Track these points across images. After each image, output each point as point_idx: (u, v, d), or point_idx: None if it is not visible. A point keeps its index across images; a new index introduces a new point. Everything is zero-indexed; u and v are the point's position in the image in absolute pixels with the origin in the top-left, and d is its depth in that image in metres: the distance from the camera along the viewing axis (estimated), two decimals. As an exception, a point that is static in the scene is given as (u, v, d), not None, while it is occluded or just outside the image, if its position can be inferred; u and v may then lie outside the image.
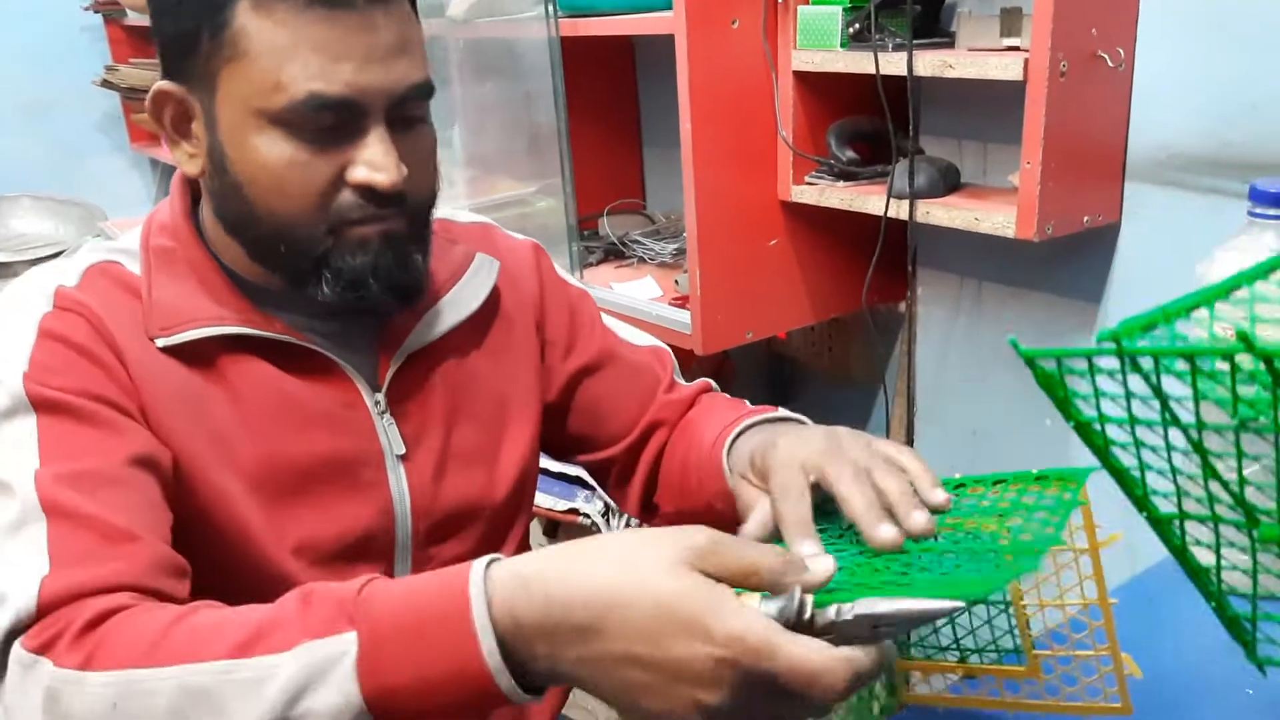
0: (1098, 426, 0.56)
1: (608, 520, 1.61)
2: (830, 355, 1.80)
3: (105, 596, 0.62)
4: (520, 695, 0.57)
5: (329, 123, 0.74)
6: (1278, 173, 1.10)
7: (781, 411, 0.91)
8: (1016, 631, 0.73)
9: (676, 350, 1.09)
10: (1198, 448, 0.53)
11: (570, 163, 1.67)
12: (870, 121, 1.42)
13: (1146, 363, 0.49)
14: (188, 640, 0.60)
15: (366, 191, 0.76)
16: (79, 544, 0.65)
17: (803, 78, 1.40)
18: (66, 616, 0.61)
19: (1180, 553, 0.59)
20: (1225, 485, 0.54)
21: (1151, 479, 0.56)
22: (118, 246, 0.83)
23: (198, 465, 0.77)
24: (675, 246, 1.78)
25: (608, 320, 1.03)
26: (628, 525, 1.62)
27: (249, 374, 0.80)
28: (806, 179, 1.44)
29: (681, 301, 1.57)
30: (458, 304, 0.88)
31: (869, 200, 1.35)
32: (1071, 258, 1.34)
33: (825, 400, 1.84)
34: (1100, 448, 0.58)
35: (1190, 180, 1.19)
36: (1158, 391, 0.49)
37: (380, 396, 0.85)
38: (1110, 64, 1.17)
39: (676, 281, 1.63)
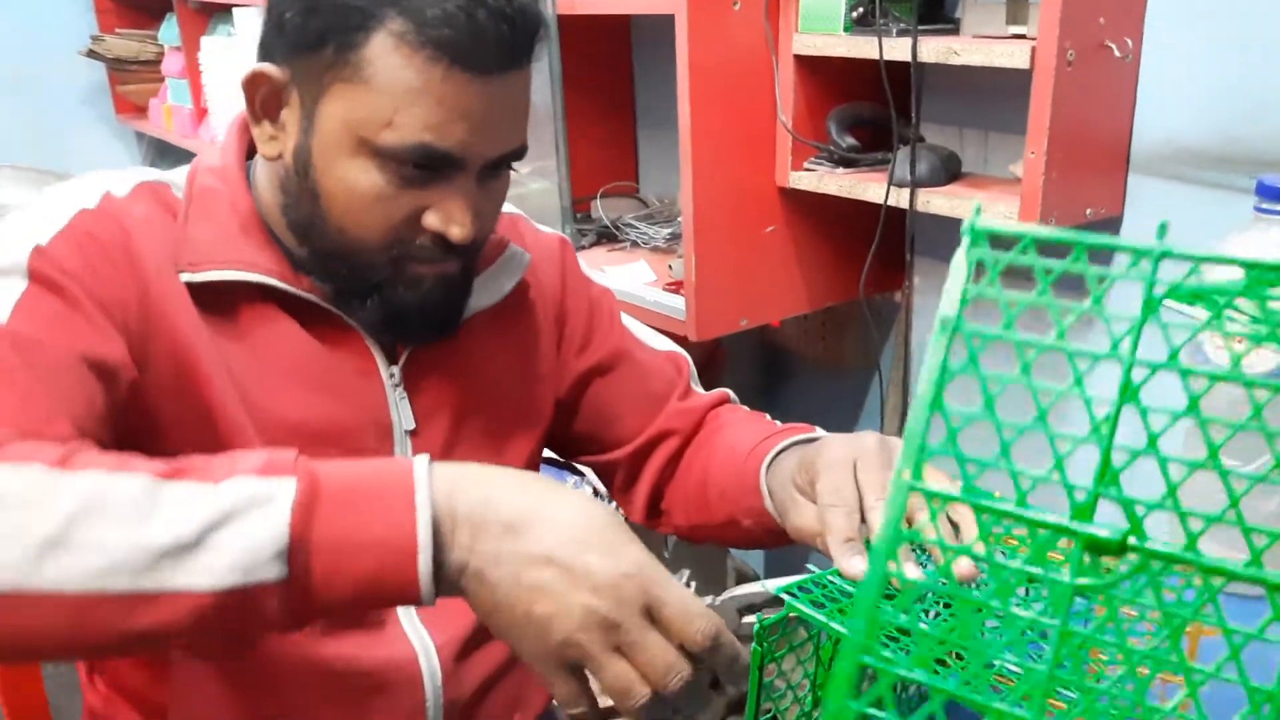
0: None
1: (597, 507, 1.60)
2: (824, 344, 1.79)
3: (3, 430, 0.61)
4: (428, 584, 0.58)
5: (427, 169, 0.74)
6: (1284, 168, 1.09)
7: (819, 431, 0.90)
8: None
9: (669, 337, 1.08)
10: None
11: (565, 145, 1.65)
12: (871, 108, 1.40)
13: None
14: (104, 460, 0.58)
15: (437, 237, 0.77)
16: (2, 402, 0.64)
17: (804, 62, 1.37)
18: None
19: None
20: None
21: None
22: (167, 176, 0.83)
23: (209, 401, 0.77)
24: (669, 231, 1.76)
25: (627, 321, 1.02)
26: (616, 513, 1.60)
27: (270, 326, 0.80)
28: (805, 165, 1.42)
29: (675, 287, 1.56)
30: (484, 291, 0.88)
31: (868, 188, 1.34)
32: (1071, 251, 1.32)
33: (818, 390, 1.83)
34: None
35: (1195, 175, 1.18)
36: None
37: (396, 370, 0.85)
38: (1118, 54, 1.15)
39: (670, 267, 1.61)
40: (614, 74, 1.99)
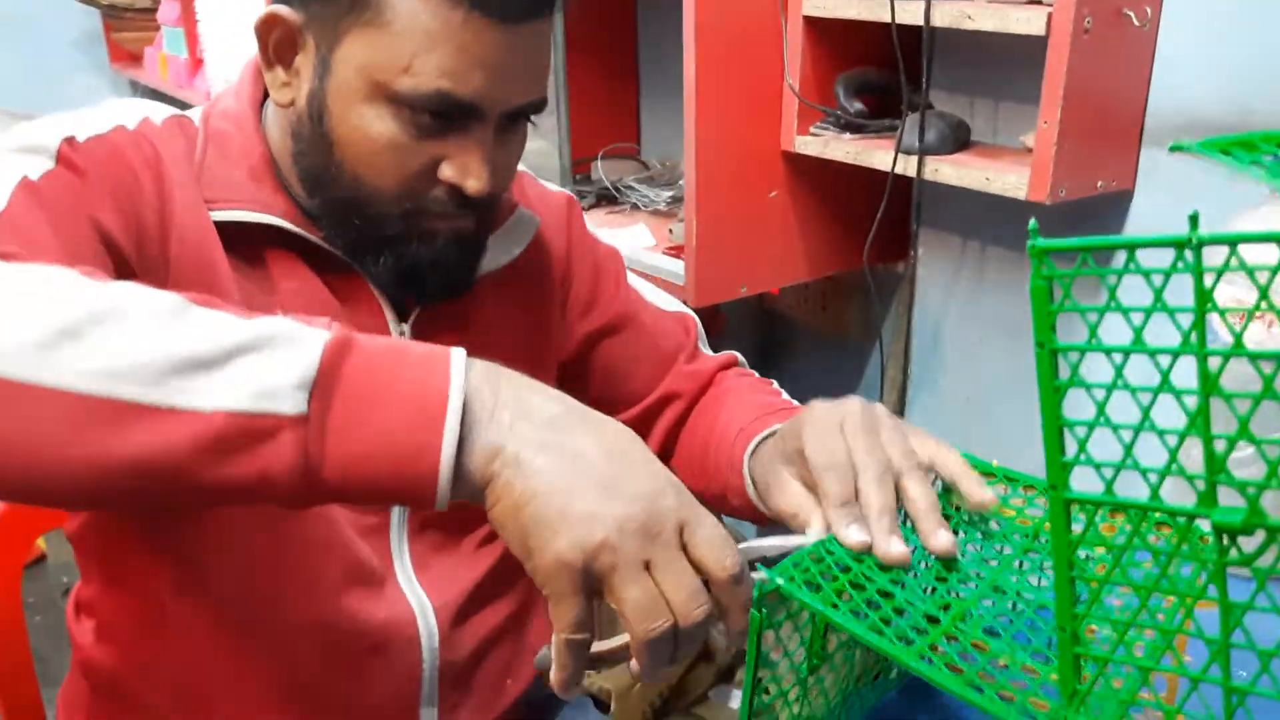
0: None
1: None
2: (824, 314, 1.77)
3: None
4: (450, 458, 0.54)
5: (444, 118, 0.72)
6: (1303, 144, 1.07)
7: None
8: None
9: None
10: None
11: (567, 104, 1.62)
12: (879, 73, 1.37)
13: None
14: (129, 286, 0.55)
15: (452, 190, 0.75)
16: (7, 235, 0.63)
17: (813, 24, 1.34)
18: None
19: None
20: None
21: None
22: (189, 112, 0.81)
23: None
24: (670, 194, 1.74)
25: (634, 281, 1.01)
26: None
27: (289, 271, 0.78)
28: (811, 130, 1.39)
29: (675, 251, 1.53)
30: (493, 253, 0.86)
31: (875, 154, 1.31)
32: (1081, 224, 1.30)
33: (816, 359, 1.81)
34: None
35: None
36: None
37: (406, 328, 0.83)
38: (1136, 23, 1.12)
39: (671, 231, 1.59)
40: (617, 34, 1.96)
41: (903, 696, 0.81)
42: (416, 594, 0.86)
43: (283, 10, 0.74)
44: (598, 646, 0.59)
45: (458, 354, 0.56)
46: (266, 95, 0.83)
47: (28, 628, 1.04)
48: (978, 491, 0.69)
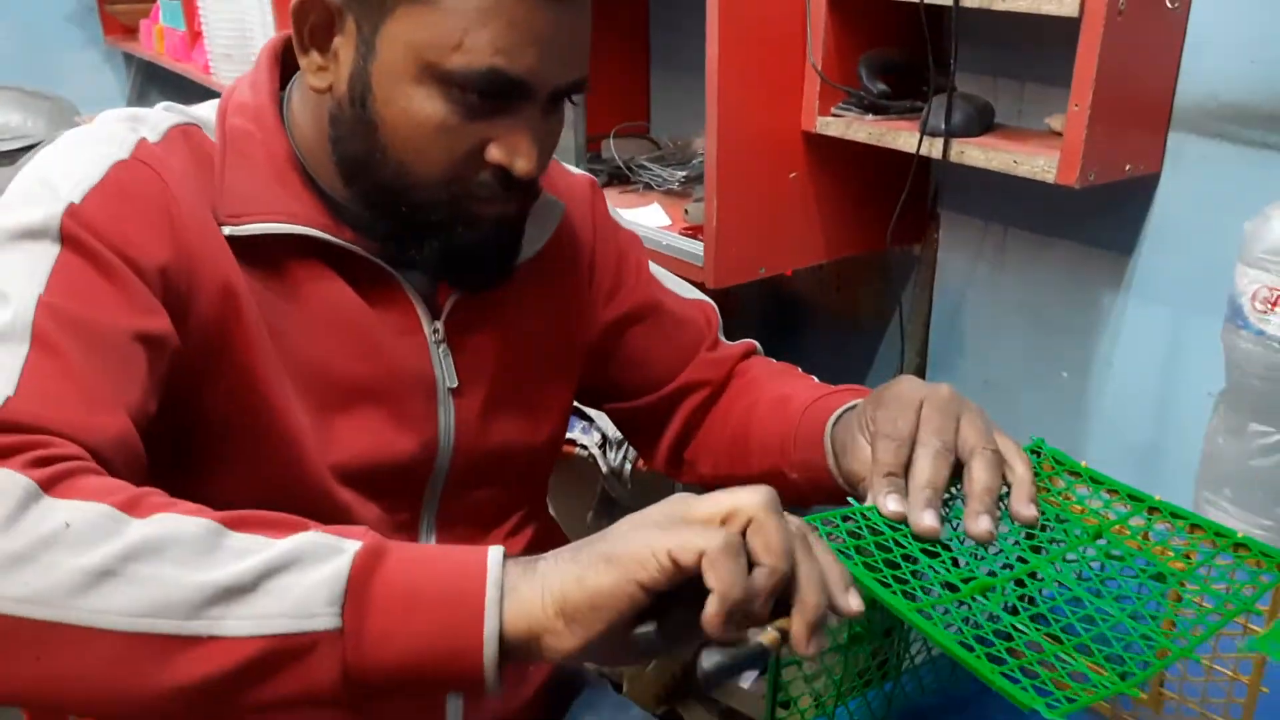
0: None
1: (604, 452, 1.58)
2: (836, 295, 1.76)
3: (65, 444, 0.57)
4: (493, 648, 0.53)
5: (494, 97, 0.71)
6: (1335, 130, 1.06)
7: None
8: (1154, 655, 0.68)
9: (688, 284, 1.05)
10: None
11: (580, 81, 1.60)
12: (903, 53, 1.36)
13: None
14: (174, 505, 0.55)
15: (499, 172, 0.73)
16: (54, 387, 0.60)
17: (836, 3, 1.33)
18: (25, 439, 0.56)
19: None
20: None
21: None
22: (196, 114, 0.78)
23: (250, 357, 0.73)
24: (684, 174, 1.72)
25: (655, 269, 1.00)
26: (624, 459, 1.59)
27: (313, 278, 0.76)
28: (833, 110, 1.38)
29: (692, 232, 1.52)
30: (523, 240, 0.84)
31: (899, 136, 1.30)
32: (1105, 208, 1.30)
33: (830, 342, 1.80)
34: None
35: (1238, 133, 1.15)
36: None
37: (439, 325, 0.82)
38: (1169, 5, 1.12)
39: (686, 211, 1.58)
40: (629, 13, 1.94)
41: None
42: None
43: None
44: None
45: (495, 553, 0.56)
46: (284, 84, 0.81)
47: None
48: (1024, 508, 0.69)
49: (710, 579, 0.52)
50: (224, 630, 0.52)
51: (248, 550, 0.54)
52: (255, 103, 0.78)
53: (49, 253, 0.64)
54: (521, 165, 0.73)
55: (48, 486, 0.54)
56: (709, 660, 0.55)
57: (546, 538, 0.96)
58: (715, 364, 0.97)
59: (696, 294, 1.02)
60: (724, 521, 0.55)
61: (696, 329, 0.98)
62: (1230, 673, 0.68)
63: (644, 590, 0.53)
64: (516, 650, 0.55)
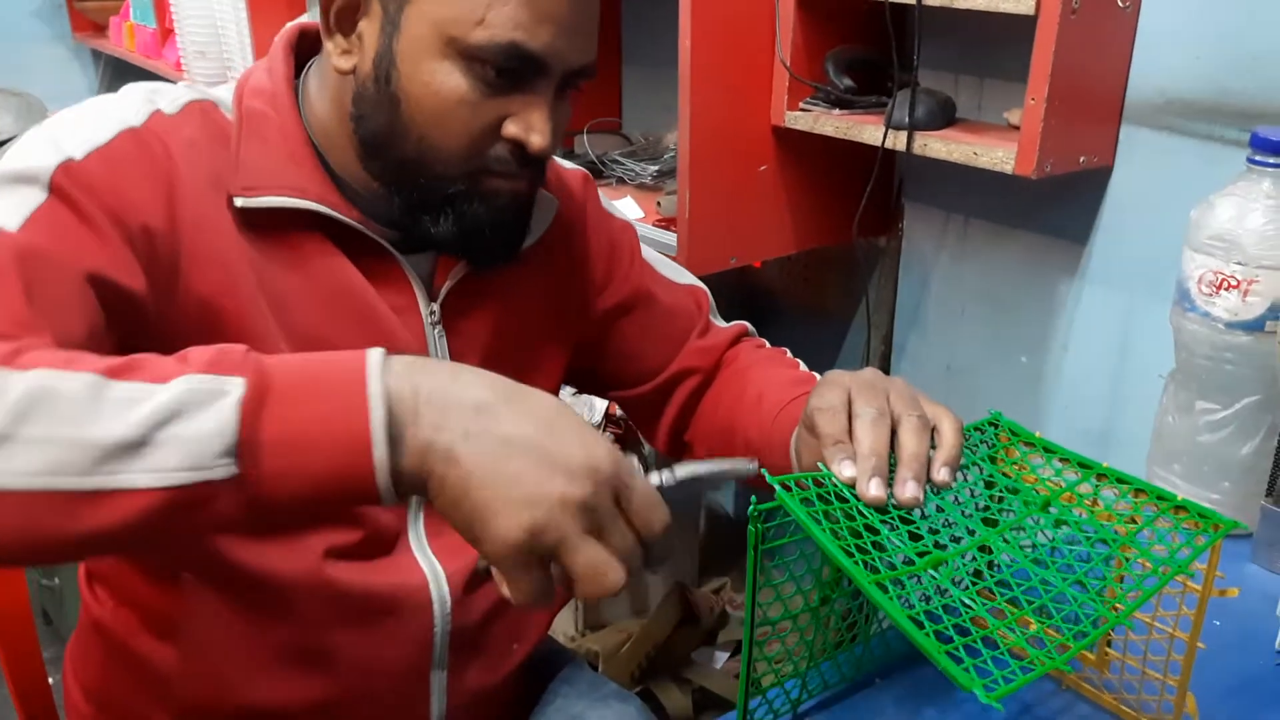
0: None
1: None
2: (805, 286, 1.80)
3: None
4: (385, 479, 0.56)
5: (513, 73, 0.75)
6: (1275, 122, 1.12)
7: None
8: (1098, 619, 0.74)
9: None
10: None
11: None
12: (868, 50, 1.41)
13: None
14: (53, 357, 0.57)
15: (515, 147, 0.77)
16: None
17: (805, 0, 1.37)
18: None
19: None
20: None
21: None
22: (214, 93, 0.81)
23: (249, 324, 0.76)
24: (656, 168, 1.76)
25: (647, 255, 1.03)
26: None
27: (316, 253, 0.79)
28: (801, 105, 1.42)
29: (665, 224, 1.56)
30: None
31: (865, 129, 1.35)
32: (1061, 199, 1.35)
33: (799, 331, 1.85)
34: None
35: (1186, 126, 1.21)
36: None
37: (436, 306, 0.85)
38: (1120, 4, 1.17)
39: (659, 204, 1.61)
40: (602, 12, 1.96)
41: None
42: (429, 561, 0.88)
43: None
44: None
45: (374, 365, 0.57)
46: (298, 72, 0.84)
47: (28, 590, 1.05)
48: (938, 472, 0.71)
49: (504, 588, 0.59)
50: (124, 484, 0.54)
51: (134, 399, 0.55)
52: (272, 87, 0.81)
53: (34, 198, 0.68)
54: (536, 140, 0.76)
55: None
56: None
57: None
58: (705, 351, 1.01)
59: (689, 278, 1.05)
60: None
61: (687, 316, 1.01)
62: (1171, 630, 0.71)
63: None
64: (410, 489, 0.58)
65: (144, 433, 0.54)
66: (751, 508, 0.67)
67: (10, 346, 0.56)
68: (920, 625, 0.59)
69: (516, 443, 0.58)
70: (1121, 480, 0.74)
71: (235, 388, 0.56)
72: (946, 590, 0.65)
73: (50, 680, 1.06)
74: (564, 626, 1.82)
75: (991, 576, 0.69)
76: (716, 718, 1.68)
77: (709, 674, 1.73)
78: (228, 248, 0.75)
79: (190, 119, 0.77)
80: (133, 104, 0.75)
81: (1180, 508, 0.70)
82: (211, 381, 0.56)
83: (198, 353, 0.58)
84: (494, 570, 0.60)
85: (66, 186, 0.68)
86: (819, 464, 0.73)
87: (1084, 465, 0.75)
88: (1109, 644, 0.77)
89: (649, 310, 1.00)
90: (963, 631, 0.61)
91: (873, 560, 0.64)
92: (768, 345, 1.04)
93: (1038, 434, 0.79)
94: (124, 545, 0.57)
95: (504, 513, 0.56)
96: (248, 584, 0.82)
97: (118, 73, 3.24)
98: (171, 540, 0.57)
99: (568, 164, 1.01)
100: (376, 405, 0.56)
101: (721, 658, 1.77)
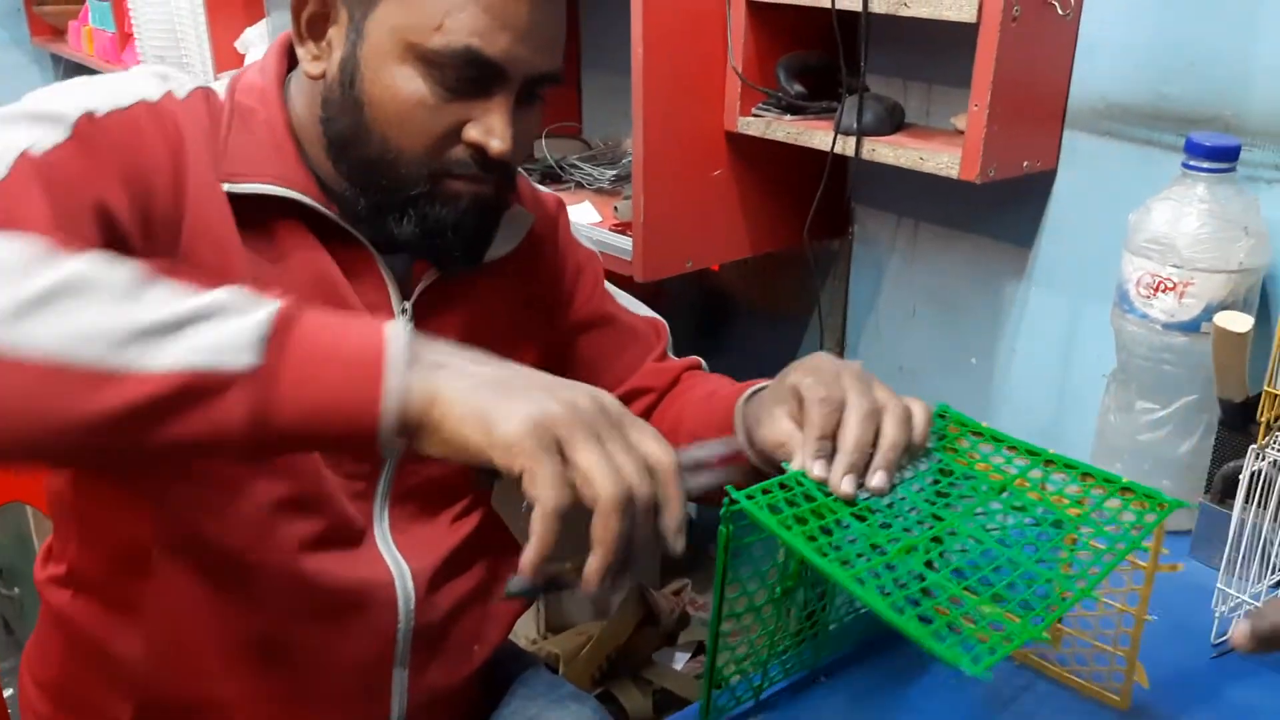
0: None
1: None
2: (762, 289, 1.82)
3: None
4: (389, 403, 0.58)
5: (471, 78, 0.76)
6: (1211, 128, 1.14)
7: None
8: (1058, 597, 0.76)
9: (616, 278, 1.11)
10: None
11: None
12: (819, 56, 1.42)
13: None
14: (95, 257, 0.58)
15: (476, 151, 0.78)
16: (12, 204, 0.64)
17: (756, 8, 1.39)
18: None
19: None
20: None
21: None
22: (214, 83, 0.84)
23: None
24: (614, 173, 1.78)
25: (610, 288, 1.06)
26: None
27: (298, 244, 0.81)
28: (753, 111, 1.44)
29: (621, 228, 1.57)
30: (494, 242, 0.89)
31: (815, 135, 1.37)
32: (1007, 202, 1.37)
33: (755, 333, 1.87)
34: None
35: (1126, 131, 1.23)
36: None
37: (408, 305, 0.87)
38: (1060, 12, 1.19)
39: (616, 208, 1.63)
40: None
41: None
42: (394, 557, 0.89)
43: None
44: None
45: (396, 321, 0.62)
46: (288, 72, 0.86)
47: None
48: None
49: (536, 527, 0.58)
50: (144, 365, 0.55)
51: (175, 297, 0.57)
52: (262, 83, 0.83)
53: (57, 134, 0.70)
54: (496, 145, 0.78)
55: None
56: (516, 585, 0.63)
57: (490, 525, 1.01)
58: (661, 373, 1.04)
59: (648, 312, 1.08)
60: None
61: (646, 341, 1.04)
62: (1120, 605, 0.74)
63: (494, 466, 0.59)
64: (409, 422, 0.59)
65: (178, 322, 0.56)
66: (724, 509, 0.68)
67: (61, 237, 0.59)
68: (901, 611, 0.61)
69: (523, 378, 0.61)
70: (1069, 465, 0.77)
71: (274, 303, 0.59)
72: (921, 575, 0.67)
73: (8, 693, 1.05)
74: (525, 630, 1.82)
75: (958, 559, 0.71)
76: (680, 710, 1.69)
77: (670, 675, 1.75)
78: (223, 230, 0.77)
79: (197, 104, 0.80)
80: (147, 81, 0.78)
81: (1127, 488, 0.74)
82: (252, 297, 0.59)
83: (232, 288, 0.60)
84: (509, 474, 0.59)
85: (88, 132, 0.71)
86: (782, 463, 0.75)
87: (1032, 452, 0.78)
88: (1060, 620, 0.79)
89: (610, 329, 1.03)
90: (941, 611, 0.63)
91: (845, 555, 0.66)
92: (718, 375, 1.07)
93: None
94: (117, 439, 0.55)
95: (517, 401, 0.59)
96: (214, 570, 0.83)
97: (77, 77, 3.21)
98: (161, 445, 0.56)
99: (542, 188, 1.04)
100: (395, 341, 0.59)
101: (682, 659, 1.78)
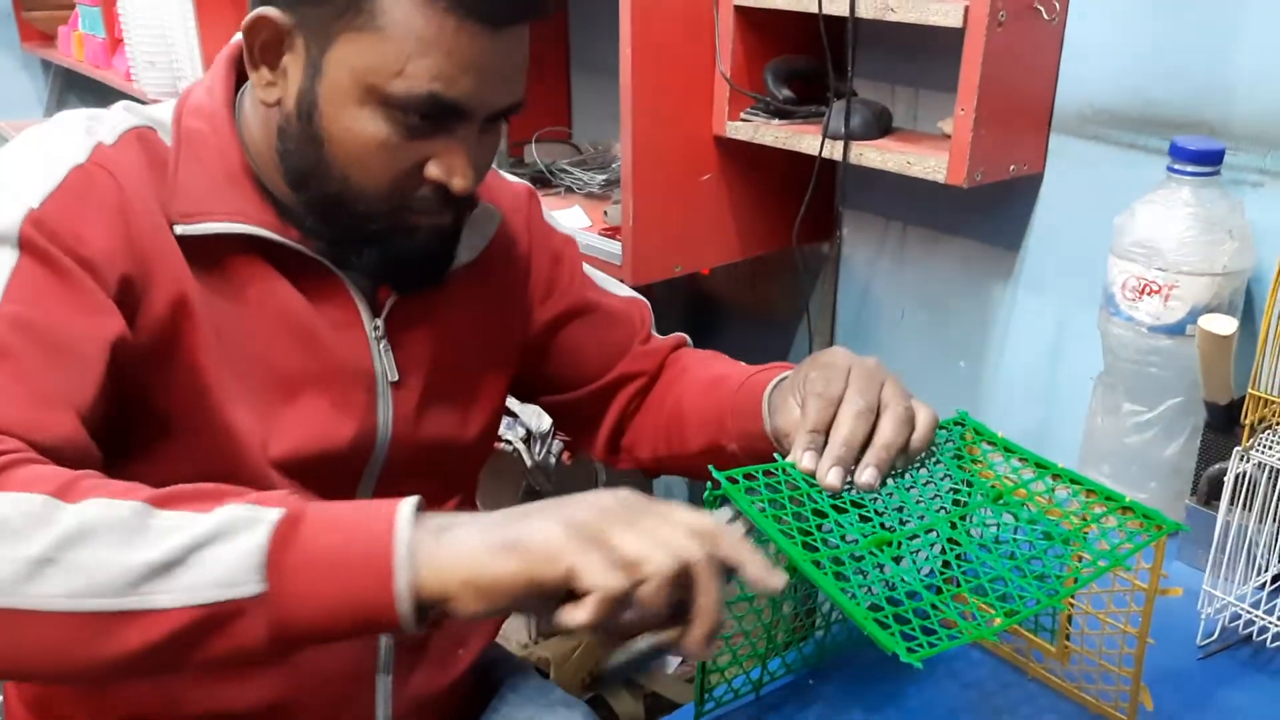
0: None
1: (529, 446, 1.62)
2: (751, 292, 1.83)
3: (9, 440, 0.61)
4: (407, 602, 0.58)
5: (433, 118, 0.75)
6: (1196, 132, 1.15)
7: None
8: (1059, 615, 0.78)
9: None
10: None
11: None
12: (807, 61, 1.43)
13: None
14: (106, 487, 0.59)
15: (438, 188, 0.77)
16: (5, 388, 0.64)
17: (744, 13, 1.40)
18: None
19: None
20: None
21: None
22: (153, 115, 0.81)
23: (194, 354, 0.76)
24: (604, 178, 1.78)
25: (589, 270, 1.05)
26: (548, 453, 1.63)
27: (256, 277, 0.80)
28: (741, 115, 1.44)
29: (611, 233, 1.58)
30: (461, 247, 0.88)
31: (803, 139, 1.37)
32: (994, 206, 1.38)
33: (745, 336, 1.87)
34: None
35: (1112, 135, 1.24)
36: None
37: (380, 322, 0.86)
38: (1045, 17, 1.20)
39: (606, 213, 1.63)
40: (550, 22, 1.98)
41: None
42: None
43: (270, 12, 0.75)
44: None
45: (405, 511, 0.60)
46: (238, 89, 0.84)
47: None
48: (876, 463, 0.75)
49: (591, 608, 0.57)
50: (156, 604, 0.56)
51: (175, 528, 0.58)
52: (210, 106, 0.81)
53: (8, 259, 0.68)
54: (458, 183, 0.77)
55: None
56: (619, 657, 0.61)
57: None
58: (648, 355, 1.02)
59: (630, 292, 1.07)
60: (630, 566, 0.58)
61: (630, 325, 1.03)
62: (1122, 626, 0.75)
63: (540, 585, 0.58)
64: (431, 603, 0.59)
65: (182, 554, 0.57)
66: (707, 493, 0.69)
67: (63, 479, 0.59)
68: (853, 597, 0.62)
69: (532, 504, 0.62)
70: (1075, 481, 0.77)
71: (272, 514, 0.59)
72: (888, 568, 0.68)
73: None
74: (517, 634, 1.82)
75: (935, 558, 0.72)
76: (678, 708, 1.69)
77: (661, 679, 1.75)
78: (179, 277, 0.76)
79: (129, 148, 0.77)
80: (73, 139, 0.75)
81: (1128, 508, 0.74)
82: (251, 510, 0.59)
83: (243, 491, 0.61)
84: (555, 582, 0.58)
85: (36, 240, 0.68)
86: (775, 454, 0.76)
87: (1040, 465, 0.79)
88: (1068, 638, 0.80)
89: (593, 317, 1.02)
90: (921, 614, 0.64)
91: (814, 541, 0.67)
92: (705, 350, 1.06)
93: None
94: (148, 669, 0.58)
95: (534, 526, 0.59)
96: None
97: (68, 83, 3.21)
98: (193, 666, 0.59)
99: (511, 177, 1.02)
100: (402, 540, 0.59)
101: (674, 663, 1.78)
